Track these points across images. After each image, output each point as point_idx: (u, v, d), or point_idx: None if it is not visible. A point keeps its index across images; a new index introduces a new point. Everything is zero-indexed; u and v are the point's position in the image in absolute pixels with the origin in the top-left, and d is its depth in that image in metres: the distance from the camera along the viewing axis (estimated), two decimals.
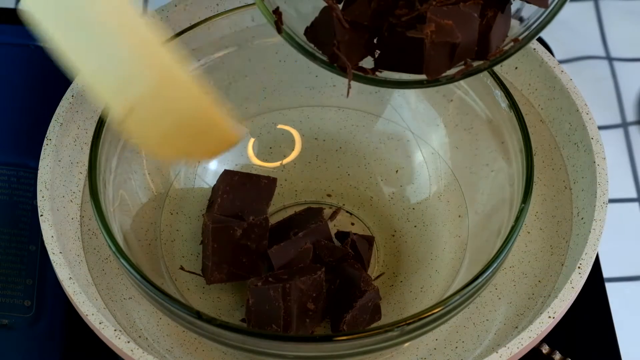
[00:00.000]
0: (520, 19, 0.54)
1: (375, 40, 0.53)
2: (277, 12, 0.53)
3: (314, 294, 0.58)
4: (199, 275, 0.63)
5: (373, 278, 0.63)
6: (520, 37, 0.52)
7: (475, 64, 0.52)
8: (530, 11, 0.53)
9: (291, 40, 0.53)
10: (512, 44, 0.52)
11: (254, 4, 0.55)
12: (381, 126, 0.68)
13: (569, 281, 0.57)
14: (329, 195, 0.67)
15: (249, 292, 0.58)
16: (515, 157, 0.59)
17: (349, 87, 0.52)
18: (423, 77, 0.51)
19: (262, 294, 0.57)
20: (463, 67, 0.52)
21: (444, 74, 0.52)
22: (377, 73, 0.53)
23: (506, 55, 0.52)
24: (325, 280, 0.59)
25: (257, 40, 0.65)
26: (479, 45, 0.51)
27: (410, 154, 0.67)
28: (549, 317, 0.56)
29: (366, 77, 0.53)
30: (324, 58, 0.53)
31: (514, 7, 0.54)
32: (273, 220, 0.64)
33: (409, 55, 0.51)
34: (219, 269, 0.60)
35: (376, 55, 0.53)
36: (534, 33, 0.52)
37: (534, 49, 0.65)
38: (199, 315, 0.53)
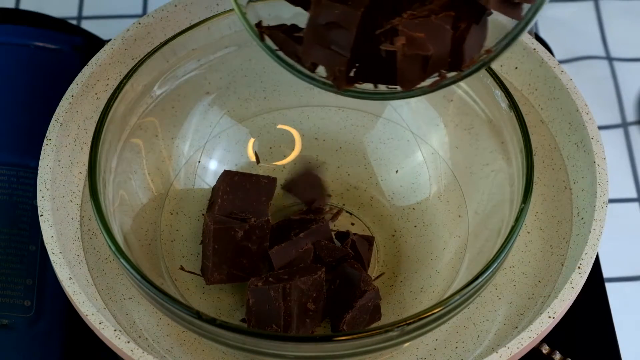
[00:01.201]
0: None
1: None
2: (260, 26, 0.53)
3: (314, 294, 0.58)
4: (199, 275, 0.63)
5: (373, 278, 0.63)
6: (493, 48, 0.52)
7: (450, 74, 0.52)
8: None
9: (271, 52, 0.53)
10: (485, 54, 0.52)
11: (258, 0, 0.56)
12: (381, 126, 0.68)
13: (569, 281, 0.57)
14: (329, 195, 0.67)
15: (249, 292, 0.58)
16: (515, 157, 0.59)
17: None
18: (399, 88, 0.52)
19: (262, 294, 0.57)
20: (437, 78, 0.52)
21: (419, 85, 0.52)
22: (355, 85, 0.53)
23: (480, 65, 0.52)
24: (325, 280, 0.59)
25: None
26: (452, 56, 0.51)
27: (410, 154, 0.67)
28: (549, 317, 0.56)
29: (344, 89, 0.53)
30: (303, 69, 0.53)
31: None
32: (273, 220, 0.64)
33: (386, 67, 0.51)
34: (219, 269, 0.60)
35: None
36: (507, 44, 0.52)
37: (534, 49, 0.65)
38: (199, 315, 0.53)
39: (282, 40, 0.54)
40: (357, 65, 0.52)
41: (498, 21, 0.52)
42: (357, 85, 0.53)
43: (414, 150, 0.67)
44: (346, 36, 0.51)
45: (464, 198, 0.65)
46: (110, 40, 0.65)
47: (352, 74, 0.52)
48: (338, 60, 0.51)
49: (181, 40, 0.62)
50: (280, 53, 0.54)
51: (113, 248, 0.56)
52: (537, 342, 0.56)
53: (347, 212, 0.66)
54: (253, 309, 0.58)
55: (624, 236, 0.78)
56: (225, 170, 0.64)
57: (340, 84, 0.52)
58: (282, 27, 0.54)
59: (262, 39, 0.53)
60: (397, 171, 0.67)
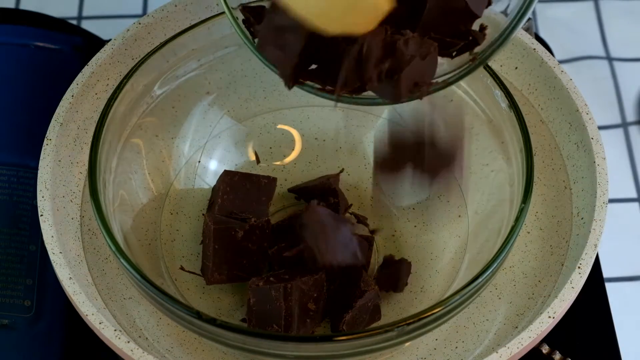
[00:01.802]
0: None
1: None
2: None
3: (314, 294, 0.58)
4: (199, 275, 0.63)
5: (373, 278, 0.63)
6: (477, 56, 0.53)
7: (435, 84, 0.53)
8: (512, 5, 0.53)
9: (239, 29, 0.54)
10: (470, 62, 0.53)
11: (253, 2, 0.56)
12: (381, 126, 0.67)
13: (569, 281, 0.57)
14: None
15: (250, 291, 0.58)
16: (515, 157, 0.59)
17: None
18: None
19: (263, 293, 0.57)
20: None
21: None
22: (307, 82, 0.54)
23: (456, 78, 0.54)
24: (325, 280, 0.59)
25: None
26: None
27: None
28: (549, 317, 0.56)
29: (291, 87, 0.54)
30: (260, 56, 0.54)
31: (502, 5, 0.54)
32: (273, 220, 0.64)
33: (334, 70, 0.52)
34: (219, 269, 0.60)
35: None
36: (487, 56, 0.53)
37: (534, 49, 0.65)
38: (199, 315, 0.53)
39: (252, 23, 0.54)
40: (305, 65, 0.53)
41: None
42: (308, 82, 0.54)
43: None
44: (297, 43, 0.51)
45: (464, 198, 0.64)
46: (110, 40, 0.65)
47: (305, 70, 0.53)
48: (287, 63, 0.52)
49: (181, 40, 0.62)
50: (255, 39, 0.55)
51: (113, 248, 0.56)
52: (537, 342, 0.56)
53: (348, 212, 0.66)
54: (254, 309, 0.58)
55: (624, 236, 0.78)
56: (225, 170, 0.64)
57: (288, 83, 0.53)
58: (258, 9, 0.54)
59: (233, 18, 0.54)
60: None
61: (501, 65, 0.66)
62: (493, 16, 0.53)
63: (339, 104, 0.67)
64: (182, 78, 0.64)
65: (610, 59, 0.87)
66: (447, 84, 0.53)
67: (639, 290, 0.77)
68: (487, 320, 0.60)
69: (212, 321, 0.53)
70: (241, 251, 0.60)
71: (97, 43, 0.74)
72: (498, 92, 0.60)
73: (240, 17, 0.55)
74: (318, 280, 0.58)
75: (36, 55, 0.72)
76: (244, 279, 0.60)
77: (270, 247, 0.61)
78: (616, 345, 0.65)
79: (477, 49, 0.53)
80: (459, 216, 0.64)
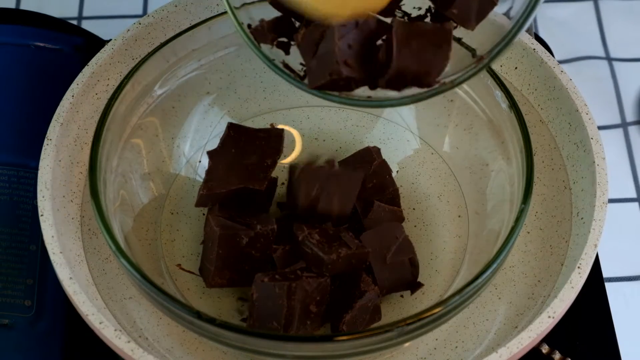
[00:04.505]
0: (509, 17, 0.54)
1: None
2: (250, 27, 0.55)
3: (318, 297, 0.58)
4: (197, 275, 0.62)
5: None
6: (484, 55, 0.53)
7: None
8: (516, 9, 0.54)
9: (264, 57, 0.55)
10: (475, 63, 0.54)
11: (253, 3, 0.56)
12: (381, 126, 0.68)
13: (568, 281, 0.57)
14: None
15: (254, 286, 0.57)
16: (515, 157, 0.59)
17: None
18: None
19: (267, 289, 0.57)
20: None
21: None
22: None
23: (463, 79, 0.54)
24: (330, 285, 0.59)
25: None
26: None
27: (410, 153, 0.67)
28: (549, 317, 0.56)
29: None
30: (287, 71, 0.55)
31: (505, 7, 0.54)
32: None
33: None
34: (221, 274, 0.60)
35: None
36: (494, 56, 0.53)
37: (534, 49, 0.65)
38: (198, 315, 0.53)
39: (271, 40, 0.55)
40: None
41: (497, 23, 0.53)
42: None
43: (414, 150, 0.67)
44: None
45: (464, 198, 0.65)
46: (110, 40, 0.65)
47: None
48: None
49: (181, 40, 0.62)
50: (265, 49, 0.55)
51: (113, 248, 0.56)
52: (537, 342, 0.56)
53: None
54: (256, 304, 0.57)
55: (624, 236, 0.78)
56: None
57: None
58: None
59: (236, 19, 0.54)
60: (397, 171, 0.67)
61: (501, 66, 0.66)
62: (496, 18, 0.53)
63: (339, 104, 0.67)
64: (182, 78, 0.64)
65: (610, 59, 0.87)
66: (454, 84, 0.53)
67: (639, 290, 0.77)
68: (487, 320, 0.60)
69: (211, 321, 0.53)
70: (244, 257, 0.60)
71: (97, 43, 0.74)
72: (498, 93, 0.60)
73: (245, 21, 0.54)
74: (323, 284, 0.58)
75: (36, 55, 0.72)
76: (244, 284, 0.60)
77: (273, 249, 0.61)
78: (616, 345, 0.65)
79: (481, 52, 0.53)
80: (459, 216, 0.64)
